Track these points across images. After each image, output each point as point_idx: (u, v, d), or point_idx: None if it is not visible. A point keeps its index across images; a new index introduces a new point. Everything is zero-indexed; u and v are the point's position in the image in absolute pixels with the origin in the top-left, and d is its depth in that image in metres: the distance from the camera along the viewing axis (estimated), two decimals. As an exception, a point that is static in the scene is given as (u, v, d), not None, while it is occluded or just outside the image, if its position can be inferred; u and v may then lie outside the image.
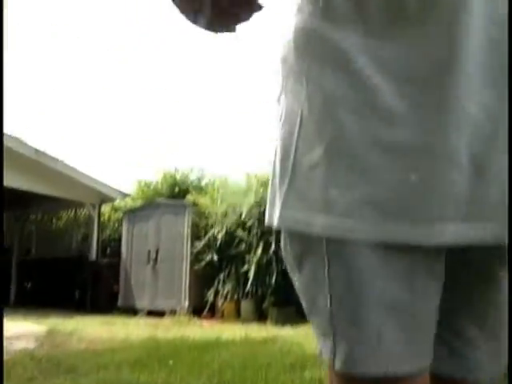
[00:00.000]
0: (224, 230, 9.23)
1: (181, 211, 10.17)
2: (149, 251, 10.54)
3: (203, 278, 9.42)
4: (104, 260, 11.91)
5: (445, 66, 0.72)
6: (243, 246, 8.93)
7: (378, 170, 0.74)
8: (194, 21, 0.83)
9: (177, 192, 12.04)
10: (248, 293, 8.52)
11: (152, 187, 12.79)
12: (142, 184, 13.08)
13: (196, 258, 9.51)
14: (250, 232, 8.90)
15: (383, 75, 0.75)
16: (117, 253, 11.51)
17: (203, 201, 10.21)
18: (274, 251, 8.27)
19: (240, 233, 9.01)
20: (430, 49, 0.73)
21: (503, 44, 0.73)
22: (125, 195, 12.48)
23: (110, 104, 38.25)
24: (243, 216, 9.00)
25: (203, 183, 12.30)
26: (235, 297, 8.79)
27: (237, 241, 9.07)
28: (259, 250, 8.53)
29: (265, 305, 8.32)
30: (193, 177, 12.61)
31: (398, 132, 0.73)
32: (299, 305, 0.83)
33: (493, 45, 0.73)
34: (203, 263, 9.32)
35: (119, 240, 11.64)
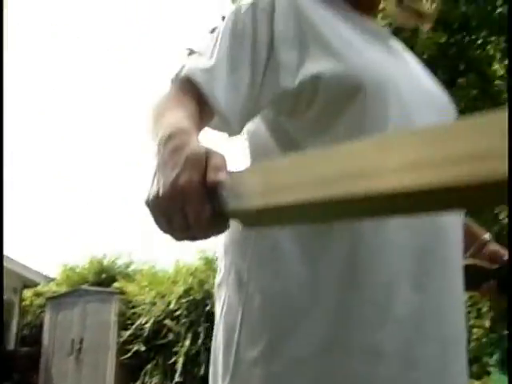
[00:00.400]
0: (152, 320, 9.17)
1: (107, 299, 10.04)
2: (72, 340, 10.24)
3: (130, 370, 9.23)
4: (23, 349, 11.42)
5: None
6: (171, 336, 8.89)
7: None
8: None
9: (103, 278, 11.87)
10: (176, 385, 8.43)
11: (78, 272, 12.54)
12: (68, 268, 12.80)
13: (122, 348, 9.34)
14: (178, 322, 8.89)
15: None
16: (38, 341, 11.09)
17: (131, 288, 10.14)
18: (202, 342, 8.29)
19: (168, 322, 8.99)
20: None
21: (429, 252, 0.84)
22: (49, 279, 12.15)
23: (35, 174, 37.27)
24: (172, 305, 9.00)
25: (131, 270, 12.21)
26: (163, 389, 8.66)
27: (165, 331, 9.02)
28: (188, 341, 8.52)
29: (193, 397, 8.24)
30: (120, 263, 12.50)
31: None
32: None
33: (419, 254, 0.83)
34: (130, 354, 9.16)
35: (41, 327, 11.25)
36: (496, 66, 5.78)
